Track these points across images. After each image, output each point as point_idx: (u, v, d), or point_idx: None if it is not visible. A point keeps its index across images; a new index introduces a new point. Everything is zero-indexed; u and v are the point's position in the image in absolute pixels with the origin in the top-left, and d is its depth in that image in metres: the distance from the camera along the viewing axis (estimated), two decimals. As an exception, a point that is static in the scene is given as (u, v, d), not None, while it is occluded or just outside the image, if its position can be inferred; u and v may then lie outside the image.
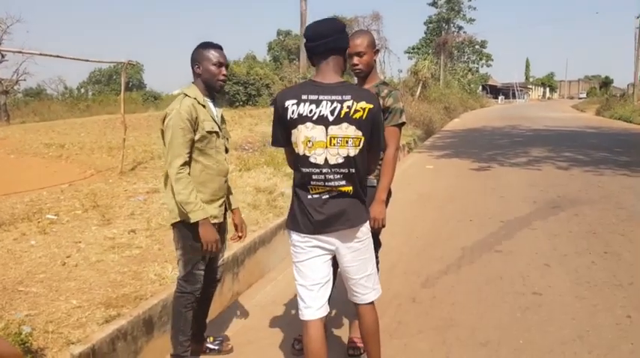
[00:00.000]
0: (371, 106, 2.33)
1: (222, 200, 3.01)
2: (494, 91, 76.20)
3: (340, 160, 2.33)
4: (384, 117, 3.07)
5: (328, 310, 2.56)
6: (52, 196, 6.28)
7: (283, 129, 2.38)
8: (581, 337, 3.37)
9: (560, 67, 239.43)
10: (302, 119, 2.30)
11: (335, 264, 2.62)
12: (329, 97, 2.30)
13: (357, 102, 2.31)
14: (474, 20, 52.96)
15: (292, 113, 2.31)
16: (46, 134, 12.28)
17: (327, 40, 2.36)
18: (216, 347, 3.28)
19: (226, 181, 3.03)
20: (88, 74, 63.21)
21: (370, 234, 2.59)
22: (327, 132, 2.30)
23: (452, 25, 53.36)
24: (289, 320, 3.70)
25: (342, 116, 2.29)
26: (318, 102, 2.30)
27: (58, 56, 8.14)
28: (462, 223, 6.34)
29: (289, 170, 9.58)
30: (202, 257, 2.90)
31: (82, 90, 53.36)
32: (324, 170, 2.33)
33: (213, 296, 3.25)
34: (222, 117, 3.04)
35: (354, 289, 2.60)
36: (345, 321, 3.63)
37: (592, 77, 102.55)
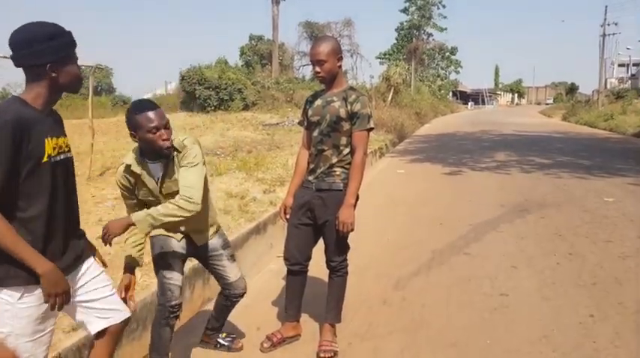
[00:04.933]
0: None
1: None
2: (464, 97, 77.27)
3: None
4: (351, 122, 3.10)
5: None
6: (18, 202, 6.14)
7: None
8: (546, 336, 3.45)
9: (528, 74, 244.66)
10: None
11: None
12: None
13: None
14: (444, 29, 53.76)
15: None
16: (11, 139, 11.99)
17: (18, 54, 1.95)
18: (227, 343, 3.33)
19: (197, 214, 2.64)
20: (56, 78, 61.84)
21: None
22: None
23: (422, 32, 54.05)
24: (260, 323, 3.70)
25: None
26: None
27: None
28: (433, 226, 6.42)
29: (261, 175, 9.42)
30: (167, 265, 2.83)
31: (50, 95, 52.16)
32: None
33: (232, 307, 3.26)
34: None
35: None
36: (315, 326, 3.64)
37: (559, 83, 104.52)
